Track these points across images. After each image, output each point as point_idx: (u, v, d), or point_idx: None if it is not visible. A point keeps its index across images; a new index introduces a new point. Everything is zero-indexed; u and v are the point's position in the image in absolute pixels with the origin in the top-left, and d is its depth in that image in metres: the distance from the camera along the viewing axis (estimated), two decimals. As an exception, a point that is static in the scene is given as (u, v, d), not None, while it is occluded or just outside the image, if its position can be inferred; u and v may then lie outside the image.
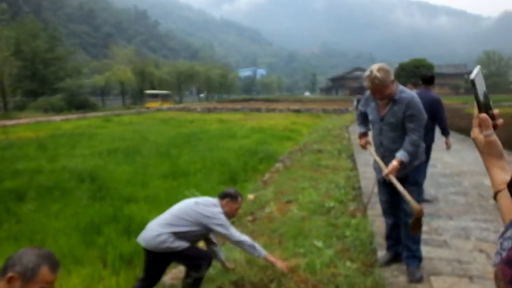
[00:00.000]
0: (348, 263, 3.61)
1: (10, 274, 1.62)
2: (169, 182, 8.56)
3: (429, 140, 5.41)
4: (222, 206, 3.51)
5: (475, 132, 1.07)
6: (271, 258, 3.43)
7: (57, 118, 29.93)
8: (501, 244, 0.90)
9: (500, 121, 1.05)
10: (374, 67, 3.27)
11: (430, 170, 7.31)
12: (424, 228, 3.71)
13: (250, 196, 6.83)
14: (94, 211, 6.50)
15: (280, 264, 3.40)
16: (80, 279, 4.37)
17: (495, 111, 1.05)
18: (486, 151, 1.06)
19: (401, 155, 3.32)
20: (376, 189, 5.82)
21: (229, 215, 3.56)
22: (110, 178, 8.79)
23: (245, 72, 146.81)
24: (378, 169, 3.63)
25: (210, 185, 8.03)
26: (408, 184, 3.46)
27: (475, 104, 1.04)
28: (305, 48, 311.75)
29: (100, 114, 34.87)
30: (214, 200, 3.57)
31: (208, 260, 3.45)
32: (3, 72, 34.93)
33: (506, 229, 0.90)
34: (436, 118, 5.61)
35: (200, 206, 3.46)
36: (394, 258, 3.70)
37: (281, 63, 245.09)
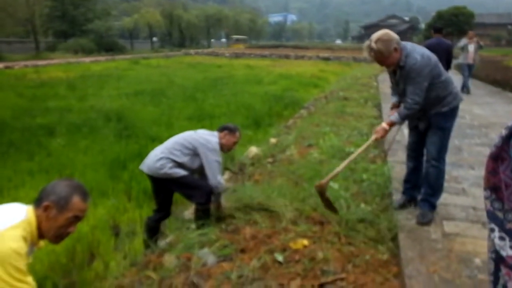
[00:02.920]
0: (362, 205, 3.67)
1: (45, 203, 1.77)
2: (194, 123, 8.66)
3: None
4: (220, 138, 3.61)
5: None
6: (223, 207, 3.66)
7: (87, 59, 30.24)
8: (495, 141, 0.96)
9: None
10: (374, 37, 3.12)
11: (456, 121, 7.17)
12: (445, 176, 3.67)
13: (272, 140, 6.89)
14: (120, 148, 6.72)
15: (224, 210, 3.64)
16: (106, 211, 4.61)
17: None
18: None
19: (393, 116, 3.37)
20: (398, 137, 5.79)
21: (226, 147, 3.66)
22: (136, 118, 8.99)
23: (275, 18, 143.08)
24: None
25: (234, 128, 8.11)
26: (432, 129, 3.42)
27: None
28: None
29: (128, 56, 34.99)
30: (214, 132, 3.68)
31: (206, 190, 3.51)
32: (34, 12, 35.11)
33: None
34: (449, 59, 7.81)
35: (199, 133, 3.60)
36: (410, 202, 3.72)
37: (313, 9, 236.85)
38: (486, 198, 1.11)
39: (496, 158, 0.95)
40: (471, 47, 11.80)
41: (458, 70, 12.80)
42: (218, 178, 3.48)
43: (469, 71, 11.95)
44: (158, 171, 3.45)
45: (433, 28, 8.26)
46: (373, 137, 3.43)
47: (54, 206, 1.77)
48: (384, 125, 3.39)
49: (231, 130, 3.67)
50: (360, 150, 3.47)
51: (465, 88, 11.63)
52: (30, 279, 1.65)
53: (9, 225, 1.64)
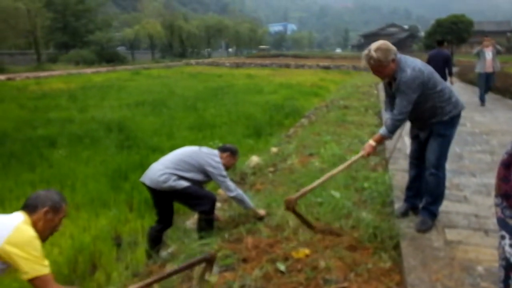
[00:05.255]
0: (364, 214, 3.66)
1: (45, 208, 2.16)
2: (195, 133, 8.70)
3: None
4: (221, 158, 3.73)
5: None
6: (256, 210, 3.70)
7: (88, 70, 30.37)
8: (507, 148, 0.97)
9: None
10: (373, 46, 3.13)
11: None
12: (446, 184, 3.66)
13: (273, 149, 6.90)
14: (122, 158, 6.73)
15: (262, 212, 3.72)
16: (107, 221, 4.61)
17: None
18: None
19: (381, 130, 3.37)
20: (399, 145, 5.81)
21: (224, 167, 3.75)
22: (137, 129, 9.02)
23: (275, 27, 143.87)
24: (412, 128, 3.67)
25: (235, 137, 8.14)
26: (432, 136, 3.42)
27: None
28: (338, 2, 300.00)
29: (129, 67, 35.14)
30: (215, 151, 3.79)
31: (211, 199, 3.61)
32: (36, 24, 35.29)
33: None
34: (448, 66, 9.13)
35: (204, 153, 3.69)
36: (411, 210, 3.71)
37: (312, 18, 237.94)
38: (497, 205, 1.10)
39: (508, 165, 0.95)
40: (489, 54, 10.55)
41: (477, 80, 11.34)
42: (233, 188, 3.62)
43: (487, 81, 10.68)
44: (162, 185, 3.49)
45: (436, 41, 10.00)
46: (360, 153, 3.42)
47: (51, 210, 2.18)
48: (371, 142, 3.37)
49: (233, 153, 3.87)
50: (342, 166, 3.47)
51: (481, 100, 10.60)
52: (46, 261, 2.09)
53: (18, 222, 2.06)
